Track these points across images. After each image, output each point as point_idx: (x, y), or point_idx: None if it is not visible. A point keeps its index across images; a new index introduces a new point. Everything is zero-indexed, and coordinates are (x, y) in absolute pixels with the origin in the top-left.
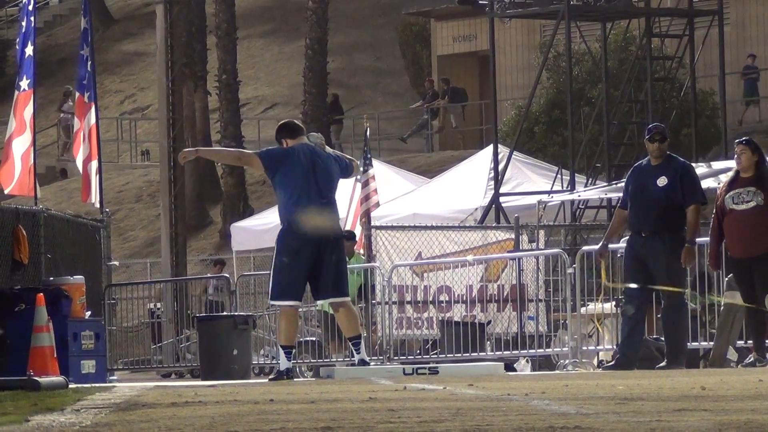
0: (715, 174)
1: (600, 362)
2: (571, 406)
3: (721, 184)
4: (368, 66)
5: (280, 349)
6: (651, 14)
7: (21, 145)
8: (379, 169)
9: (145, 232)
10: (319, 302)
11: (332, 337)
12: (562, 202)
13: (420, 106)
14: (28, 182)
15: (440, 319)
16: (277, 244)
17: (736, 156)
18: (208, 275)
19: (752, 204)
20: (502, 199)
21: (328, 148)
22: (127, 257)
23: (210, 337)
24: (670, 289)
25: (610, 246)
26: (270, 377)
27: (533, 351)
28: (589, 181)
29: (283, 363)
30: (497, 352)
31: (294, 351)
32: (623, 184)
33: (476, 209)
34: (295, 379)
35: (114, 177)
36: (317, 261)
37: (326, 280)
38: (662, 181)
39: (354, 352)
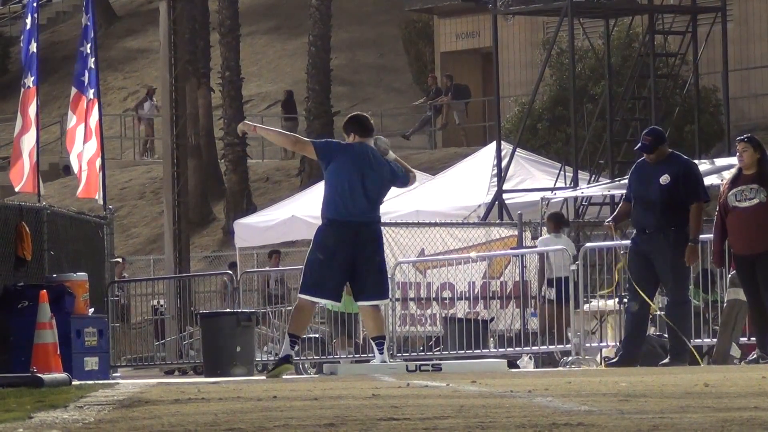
0: (718, 171)
1: (603, 359)
2: (574, 403)
3: (724, 182)
4: (371, 63)
5: (286, 336)
6: (654, 11)
7: (27, 142)
8: None
9: (148, 229)
10: (360, 303)
11: (336, 333)
12: (565, 199)
13: (423, 102)
14: (33, 179)
15: (443, 315)
16: (315, 238)
17: (738, 153)
18: (215, 272)
19: (755, 201)
20: (505, 195)
21: (391, 154)
22: (131, 254)
23: (213, 333)
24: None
25: (616, 243)
26: (268, 369)
27: (536, 348)
28: (592, 178)
29: (285, 349)
30: (500, 349)
31: (298, 346)
32: (626, 181)
33: (479, 206)
34: (295, 374)
35: (117, 174)
36: (357, 262)
37: (372, 283)
38: (665, 180)
39: (377, 352)
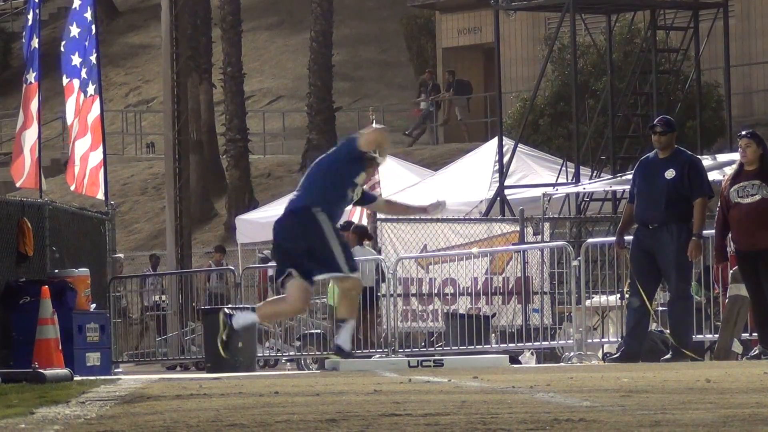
0: (720, 166)
1: (605, 355)
2: (575, 399)
3: (725, 177)
4: (373, 58)
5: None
6: (656, 6)
7: (29, 138)
8: None
9: (150, 225)
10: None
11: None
12: (567, 195)
13: (424, 100)
14: (35, 175)
15: (445, 311)
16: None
17: (740, 149)
18: (214, 267)
19: (758, 197)
20: (506, 191)
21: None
22: (132, 250)
23: (215, 329)
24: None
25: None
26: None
27: (538, 343)
28: (594, 174)
29: (242, 321)
30: (502, 345)
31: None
32: (628, 176)
33: (481, 202)
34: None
35: (119, 169)
36: None
37: None
38: (670, 174)
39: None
